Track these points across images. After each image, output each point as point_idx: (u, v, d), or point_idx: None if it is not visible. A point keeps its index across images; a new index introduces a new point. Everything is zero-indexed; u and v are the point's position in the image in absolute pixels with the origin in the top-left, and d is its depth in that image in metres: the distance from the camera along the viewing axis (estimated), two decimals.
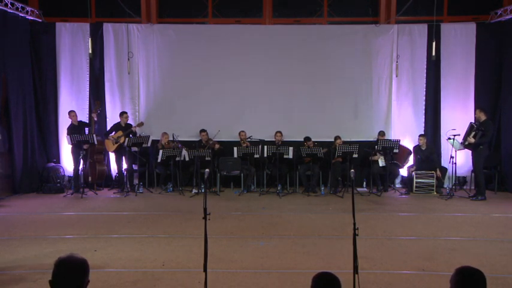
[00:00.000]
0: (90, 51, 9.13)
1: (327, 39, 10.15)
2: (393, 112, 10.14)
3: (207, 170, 4.19)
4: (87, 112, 10.08)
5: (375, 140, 9.75)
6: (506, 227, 6.65)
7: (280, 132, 9.79)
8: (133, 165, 9.76)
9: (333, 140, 9.55)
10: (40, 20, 9.98)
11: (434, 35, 9.40)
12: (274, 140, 9.78)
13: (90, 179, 9.49)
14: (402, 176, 9.98)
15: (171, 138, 9.76)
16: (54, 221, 7.01)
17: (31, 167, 9.56)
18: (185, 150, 9.55)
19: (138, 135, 9.61)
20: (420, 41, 9.95)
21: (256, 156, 9.42)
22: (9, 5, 9.01)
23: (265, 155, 9.32)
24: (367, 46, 10.10)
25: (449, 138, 9.04)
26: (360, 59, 10.13)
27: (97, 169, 9.54)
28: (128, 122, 9.83)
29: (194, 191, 9.29)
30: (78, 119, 9.62)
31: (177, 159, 9.36)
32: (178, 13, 10.73)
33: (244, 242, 5.85)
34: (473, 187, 9.40)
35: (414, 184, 9.24)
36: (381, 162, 9.45)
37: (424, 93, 10.06)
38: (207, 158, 9.26)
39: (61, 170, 9.95)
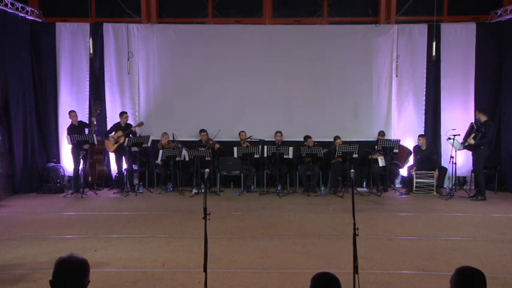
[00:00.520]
0: (91, 51, 9.13)
1: (327, 39, 10.15)
2: (393, 112, 10.14)
3: (207, 170, 4.19)
4: (87, 112, 10.08)
5: (375, 140, 9.75)
6: (506, 227, 6.65)
7: (280, 132, 9.79)
8: (134, 165, 9.76)
9: (332, 140, 9.55)
10: (40, 20, 9.98)
11: (434, 35, 9.40)
12: (274, 140, 9.78)
13: (90, 179, 9.49)
14: (402, 176, 9.98)
15: (171, 138, 9.76)
16: (54, 221, 7.01)
17: (31, 167, 9.56)
18: (185, 150, 9.55)
19: (138, 135, 9.61)
20: (420, 41, 9.95)
21: (256, 156, 9.42)
22: (9, 5, 9.01)
23: (265, 155, 9.32)
24: (367, 46, 10.10)
25: (449, 138, 9.03)
26: (360, 59, 10.13)
27: (97, 169, 9.54)
28: (128, 122, 9.83)
29: (194, 191, 9.29)
30: (78, 119, 9.61)
31: (177, 159, 9.36)
32: (178, 13, 10.73)
33: (244, 242, 5.85)
34: (473, 187, 9.40)
35: (414, 184, 9.24)
36: (381, 162, 9.45)
37: (424, 93, 10.06)
38: (207, 158, 9.27)
39: (61, 170, 9.95)
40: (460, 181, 9.71)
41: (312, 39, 10.17)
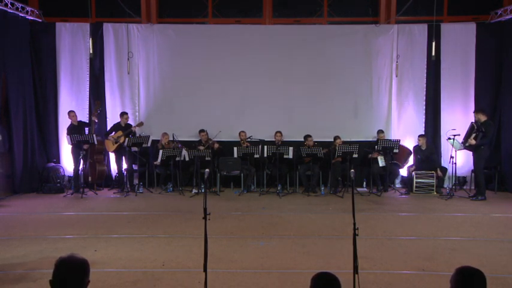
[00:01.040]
0: (90, 51, 9.13)
1: (327, 39, 10.15)
2: (393, 112, 10.14)
3: (207, 170, 4.19)
4: (87, 112, 10.08)
5: (375, 139, 9.75)
6: (506, 227, 6.65)
7: (280, 132, 9.79)
8: (133, 165, 9.77)
9: (332, 139, 9.55)
10: (40, 20, 9.98)
11: (434, 35, 9.40)
12: (274, 140, 9.79)
13: (90, 179, 9.49)
14: (402, 176, 9.98)
15: (171, 138, 9.76)
16: (54, 221, 7.01)
17: (31, 167, 9.56)
18: (185, 150, 9.55)
19: (138, 135, 9.61)
20: (420, 41, 9.95)
21: (256, 156, 9.42)
22: (9, 5, 9.01)
23: (265, 155, 9.32)
24: (367, 46, 10.10)
25: (450, 138, 9.04)
26: (360, 59, 10.13)
27: (97, 169, 9.54)
28: (128, 122, 9.83)
29: (194, 191, 9.29)
30: (78, 119, 9.61)
31: (177, 159, 9.36)
32: (178, 13, 10.74)
33: (244, 242, 5.85)
34: (473, 187, 9.40)
35: (414, 184, 9.24)
36: (381, 162, 9.45)
37: (424, 93, 10.06)
38: (207, 158, 9.27)
39: (61, 170, 9.96)
40: (460, 181, 9.71)
41: (312, 39, 10.17)
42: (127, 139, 9.29)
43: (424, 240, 5.94)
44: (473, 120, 8.92)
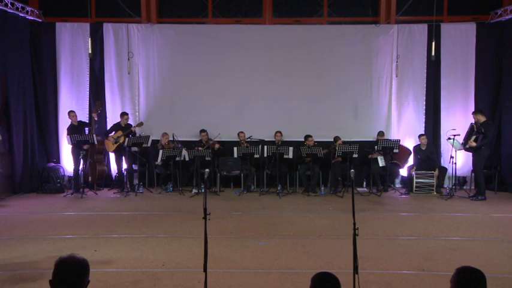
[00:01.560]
0: (90, 51, 9.13)
1: (327, 39, 10.14)
2: (393, 112, 10.14)
3: (207, 170, 4.19)
4: (87, 112, 10.09)
5: (375, 140, 9.75)
6: (506, 227, 6.65)
7: (280, 132, 9.79)
8: (133, 165, 9.76)
9: (332, 140, 9.55)
10: (40, 20, 9.98)
11: (434, 35, 9.40)
12: (274, 140, 9.79)
13: (90, 179, 9.49)
14: (402, 176, 9.98)
15: (171, 138, 9.76)
16: (54, 221, 7.01)
17: (31, 167, 9.56)
18: (185, 150, 9.56)
19: (138, 135, 9.61)
20: (420, 41, 9.95)
21: (256, 156, 9.42)
22: (9, 5, 9.01)
23: (265, 155, 9.32)
24: (367, 46, 10.10)
25: (450, 138, 9.04)
26: (360, 59, 10.12)
27: (97, 169, 9.54)
28: (128, 122, 9.82)
29: (194, 191, 9.29)
30: (78, 119, 9.61)
31: (177, 159, 9.36)
32: (178, 13, 10.74)
33: (244, 242, 5.85)
34: (473, 187, 9.40)
35: (414, 184, 9.24)
36: (381, 162, 9.45)
37: (424, 93, 10.06)
38: (207, 158, 9.27)
39: (61, 170, 9.95)
40: (460, 181, 9.71)
41: (312, 39, 10.16)
42: (127, 139, 9.28)
43: (424, 240, 5.94)
44: (473, 121, 8.92)
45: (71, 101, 10.13)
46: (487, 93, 9.91)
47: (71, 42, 10.08)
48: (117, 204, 8.40)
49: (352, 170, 4.20)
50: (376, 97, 10.15)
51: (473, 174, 9.34)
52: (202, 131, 9.84)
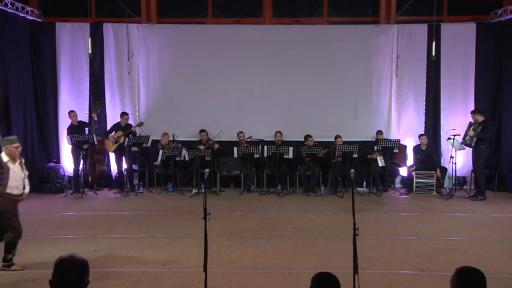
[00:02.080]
0: (90, 51, 9.13)
1: (327, 39, 10.14)
2: (393, 112, 10.13)
3: (207, 170, 4.19)
4: (87, 112, 10.08)
5: (374, 139, 9.75)
6: (506, 227, 6.65)
7: (280, 132, 9.79)
8: (133, 165, 9.76)
9: (332, 139, 9.55)
10: (40, 20, 9.98)
11: (434, 35, 9.38)
12: (274, 140, 9.78)
13: (90, 179, 9.49)
14: (402, 176, 9.98)
15: (171, 138, 9.76)
16: (54, 221, 7.02)
17: (31, 167, 9.52)
18: (185, 150, 9.56)
19: (138, 135, 9.61)
20: (420, 41, 9.94)
21: (256, 156, 9.42)
22: (9, 5, 9.01)
23: (265, 155, 9.32)
24: (367, 46, 10.09)
25: (449, 138, 9.04)
26: (360, 59, 10.12)
27: (97, 169, 9.54)
28: (128, 122, 9.82)
29: (194, 191, 9.29)
30: (78, 119, 9.61)
31: (177, 159, 9.36)
32: (178, 13, 10.73)
33: (244, 242, 5.86)
34: (473, 187, 9.40)
35: (414, 184, 9.23)
36: (380, 162, 9.45)
37: (424, 93, 10.05)
38: (207, 158, 9.27)
39: (61, 170, 9.95)
40: (460, 181, 9.71)
41: (312, 39, 10.16)
42: (127, 139, 9.28)
43: (424, 240, 5.94)
44: (471, 121, 8.93)
45: (71, 101, 10.13)
46: (487, 93, 9.91)
47: (71, 42, 10.08)
48: (117, 204, 8.40)
49: (352, 170, 4.20)
50: (376, 97, 10.15)
51: (473, 174, 9.34)
52: (202, 131, 9.84)
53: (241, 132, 9.83)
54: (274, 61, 10.14)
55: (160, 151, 9.31)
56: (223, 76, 10.17)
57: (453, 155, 8.94)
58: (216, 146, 9.66)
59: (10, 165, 4.89)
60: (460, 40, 9.91)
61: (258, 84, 10.16)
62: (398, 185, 9.97)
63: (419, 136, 9.49)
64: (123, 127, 9.67)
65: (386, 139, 9.55)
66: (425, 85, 10.04)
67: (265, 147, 9.36)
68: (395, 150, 9.31)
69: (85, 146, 9.22)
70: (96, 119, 9.62)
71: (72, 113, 9.52)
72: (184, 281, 4.52)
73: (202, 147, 9.53)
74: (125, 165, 9.51)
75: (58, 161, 10.10)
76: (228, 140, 9.95)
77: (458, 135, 8.95)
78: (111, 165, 10.07)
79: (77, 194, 9.07)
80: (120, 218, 7.18)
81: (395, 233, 6.31)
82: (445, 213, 7.59)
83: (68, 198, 8.88)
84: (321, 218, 7.19)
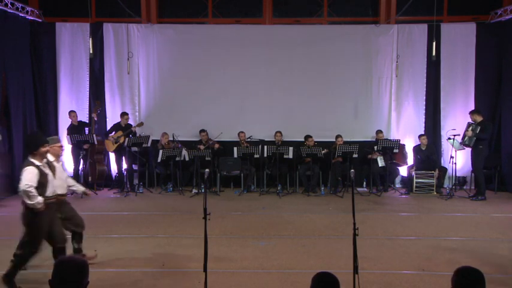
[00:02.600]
0: (91, 51, 9.12)
1: (327, 39, 10.13)
2: (393, 112, 10.13)
3: (207, 170, 4.19)
4: (87, 112, 10.08)
5: (374, 139, 9.75)
6: (506, 227, 6.65)
7: (280, 132, 9.79)
8: (133, 165, 9.76)
9: (333, 139, 9.54)
10: (40, 20, 9.98)
11: (434, 35, 9.38)
12: (274, 140, 9.78)
13: (90, 179, 9.49)
14: (402, 176, 9.98)
15: (171, 138, 9.77)
16: None
17: None
18: (185, 150, 9.56)
19: (138, 135, 9.61)
20: (420, 41, 9.94)
21: (256, 156, 9.42)
22: (9, 5, 9.01)
23: (265, 155, 9.32)
24: (367, 46, 10.09)
25: (449, 138, 9.04)
26: (360, 59, 10.12)
27: (97, 169, 9.54)
28: (128, 122, 9.82)
29: (194, 191, 9.29)
30: (78, 119, 9.62)
31: (177, 159, 9.36)
32: (178, 13, 10.73)
33: (244, 242, 5.86)
34: (473, 187, 9.40)
35: (414, 184, 9.23)
36: (380, 163, 9.45)
37: (424, 93, 10.05)
38: (207, 158, 9.27)
39: None
40: (460, 181, 9.71)
41: (312, 39, 10.15)
42: (127, 139, 9.28)
43: (424, 240, 5.94)
44: (470, 121, 8.93)
45: (71, 101, 10.13)
46: (487, 93, 9.91)
47: (71, 42, 10.08)
48: (117, 204, 8.40)
49: (352, 170, 4.20)
50: (376, 97, 10.15)
51: (473, 174, 9.34)
52: (202, 131, 9.83)
53: (242, 132, 9.83)
54: (274, 61, 10.14)
55: (160, 151, 9.31)
56: (223, 76, 10.17)
57: (453, 155, 8.95)
58: (216, 146, 9.66)
59: (56, 164, 4.86)
60: (460, 40, 9.91)
61: (258, 84, 10.16)
62: (398, 185, 9.97)
63: (419, 136, 9.49)
64: (123, 127, 9.67)
65: (386, 139, 9.55)
66: (425, 85, 10.03)
67: (265, 147, 9.36)
68: (395, 150, 9.31)
69: (85, 146, 9.22)
70: (96, 119, 9.63)
71: (72, 113, 9.52)
72: (184, 281, 4.52)
73: (202, 147, 9.54)
74: (125, 165, 9.51)
75: None
76: (228, 140, 9.95)
77: (458, 135, 8.94)
78: (111, 165, 10.07)
79: (76, 194, 9.05)
80: (120, 218, 7.18)
81: (395, 233, 6.31)
82: (445, 213, 7.59)
83: (67, 198, 8.86)
84: (321, 218, 7.19)
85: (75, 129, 9.41)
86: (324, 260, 5.16)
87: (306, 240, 5.96)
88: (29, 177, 4.24)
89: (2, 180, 9.08)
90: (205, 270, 3.63)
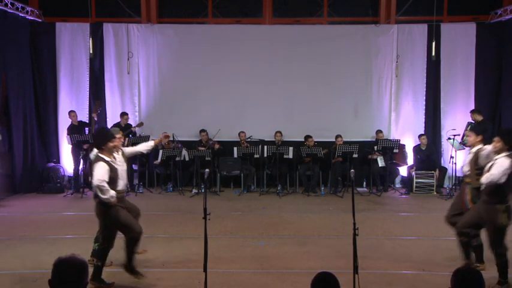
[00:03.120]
0: (91, 51, 9.12)
1: (327, 39, 10.13)
2: (393, 112, 10.14)
3: (207, 170, 4.19)
4: (87, 112, 10.08)
5: (374, 139, 9.76)
6: None
7: (280, 132, 9.79)
8: (133, 165, 9.76)
9: (333, 139, 9.54)
10: (40, 20, 9.98)
11: (434, 35, 9.39)
12: (274, 140, 9.78)
13: (90, 179, 9.46)
14: (402, 176, 9.98)
15: (171, 138, 9.76)
16: (54, 221, 7.02)
17: (31, 167, 9.55)
18: (185, 150, 9.55)
19: (138, 135, 9.61)
20: (420, 41, 9.94)
21: (256, 156, 9.42)
22: (9, 5, 9.01)
23: (265, 155, 9.33)
24: (367, 46, 10.09)
25: (449, 138, 9.04)
26: (360, 59, 10.12)
27: None
28: (128, 122, 9.82)
29: (194, 191, 9.29)
30: (78, 119, 9.61)
31: (177, 159, 9.36)
32: (178, 13, 10.73)
33: (244, 242, 5.86)
34: None
35: (414, 184, 9.23)
36: (380, 163, 9.45)
37: (424, 93, 10.05)
38: (207, 158, 9.27)
39: (61, 170, 9.95)
40: (460, 181, 9.70)
41: (312, 39, 10.15)
42: (127, 139, 9.27)
43: (424, 240, 5.94)
44: (470, 120, 8.93)
45: (71, 101, 10.12)
46: (487, 93, 9.91)
47: (71, 42, 10.08)
48: None
49: (352, 170, 4.20)
50: (376, 97, 10.15)
51: None
52: (202, 131, 9.84)
53: (243, 132, 9.83)
54: (274, 61, 10.14)
55: (160, 151, 9.31)
56: (223, 76, 10.17)
57: (453, 155, 8.94)
58: (216, 146, 9.66)
59: (116, 156, 4.68)
60: (460, 40, 9.91)
61: (258, 84, 10.16)
62: (398, 185, 9.97)
63: (419, 136, 9.49)
64: (123, 127, 9.66)
65: (386, 139, 9.55)
66: (425, 85, 10.04)
67: (265, 147, 9.37)
68: (395, 150, 9.31)
69: (85, 146, 9.22)
70: (96, 119, 9.62)
71: (72, 113, 9.52)
72: (184, 281, 4.52)
73: (202, 148, 9.51)
74: None
75: (58, 161, 10.09)
76: (228, 140, 9.95)
77: (458, 135, 8.94)
78: None
79: (76, 194, 9.08)
80: None
81: (395, 233, 6.31)
82: (445, 213, 7.56)
83: (68, 198, 8.88)
84: (320, 218, 7.19)
85: (75, 129, 9.41)
86: (324, 260, 5.16)
87: (306, 240, 5.96)
88: (100, 172, 4.30)
89: (2, 180, 9.08)
90: (205, 270, 3.63)
